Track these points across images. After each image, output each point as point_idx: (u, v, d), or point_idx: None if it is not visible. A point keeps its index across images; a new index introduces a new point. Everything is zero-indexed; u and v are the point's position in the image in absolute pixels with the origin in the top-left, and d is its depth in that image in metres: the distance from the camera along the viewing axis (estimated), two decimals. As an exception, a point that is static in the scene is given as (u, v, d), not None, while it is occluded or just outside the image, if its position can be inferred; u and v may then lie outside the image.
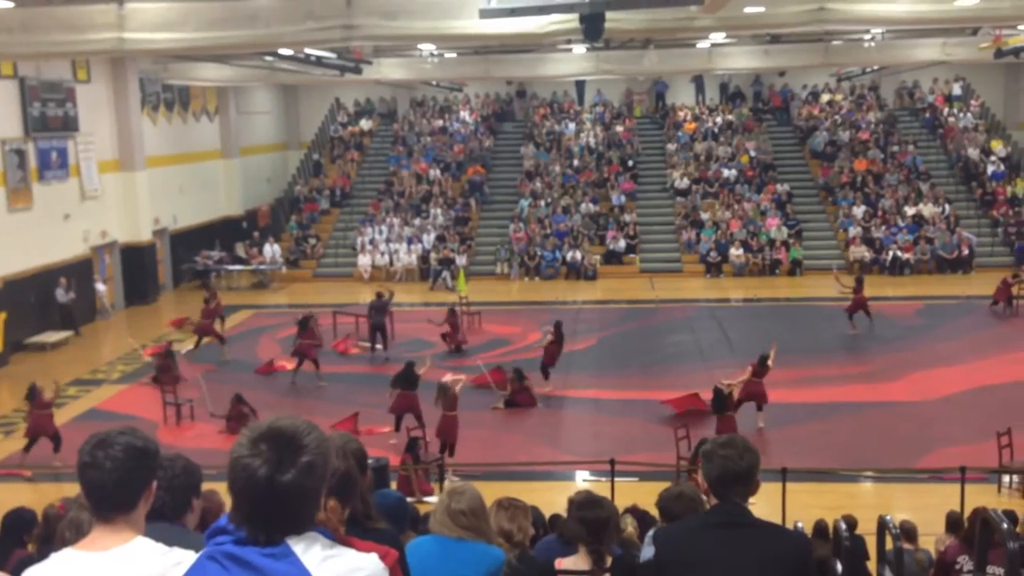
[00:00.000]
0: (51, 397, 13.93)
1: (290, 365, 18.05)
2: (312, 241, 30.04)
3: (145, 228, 25.61)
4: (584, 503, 4.40)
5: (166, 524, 3.06)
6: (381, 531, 3.29)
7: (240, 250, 29.38)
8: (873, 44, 24.56)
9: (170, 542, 2.64)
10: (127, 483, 2.61)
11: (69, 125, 22.75)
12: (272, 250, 28.72)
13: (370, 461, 3.59)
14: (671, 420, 14.40)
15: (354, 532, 2.98)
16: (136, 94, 25.41)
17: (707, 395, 14.43)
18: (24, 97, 21.17)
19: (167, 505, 3.12)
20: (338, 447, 2.82)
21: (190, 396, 16.07)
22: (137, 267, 25.32)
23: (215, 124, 31.24)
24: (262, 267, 28.26)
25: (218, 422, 14.92)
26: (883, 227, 28.39)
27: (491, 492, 4.56)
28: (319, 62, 21.33)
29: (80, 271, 22.82)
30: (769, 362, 14.55)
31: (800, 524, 8.30)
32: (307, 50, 19.83)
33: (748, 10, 14.36)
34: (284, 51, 19.94)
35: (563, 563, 4.37)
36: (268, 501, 2.02)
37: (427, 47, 23.46)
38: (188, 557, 2.41)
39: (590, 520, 4.26)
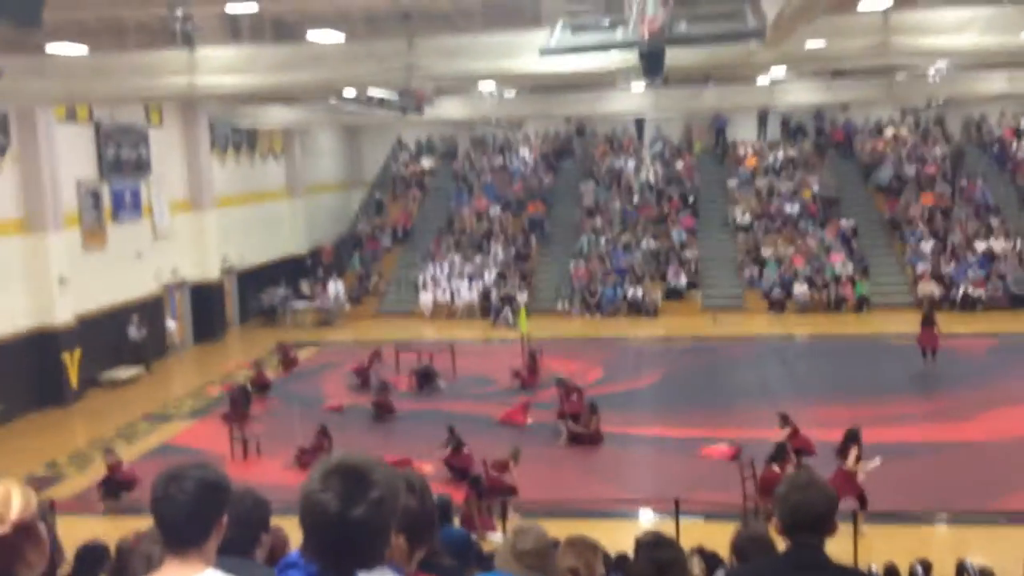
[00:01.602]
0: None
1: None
2: (375, 278, 30.37)
3: (214, 266, 26.18)
4: (654, 543, 4.33)
5: (236, 558, 3.09)
6: (447, 568, 3.28)
7: (305, 287, 29.85)
8: (938, 77, 24.18)
9: (241, 575, 2.67)
10: (199, 517, 2.65)
11: (142, 167, 23.45)
12: (336, 287, 29.11)
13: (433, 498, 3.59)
14: (736, 459, 14.14)
15: (420, 567, 2.97)
16: (206, 136, 26.11)
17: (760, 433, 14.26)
18: (99, 140, 21.90)
19: (237, 539, 3.15)
20: (416, 485, 2.83)
21: (256, 431, 16.30)
22: (206, 304, 25.86)
23: (281, 164, 31.92)
24: (326, 304, 28.63)
25: (284, 457, 15.07)
26: (952, 262, 27.75)
27: (553, 530, 4.51)
28: (381, 103, 21.70)
29: (151, 309, 23.38)
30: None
31: (874, 567, 8.08)
32: (370, 91, 20.21)
33: (810, 45, 14.29)
34: (348, 93, 20.36)
35: (630, 604, 4.30)
36: (338, 536, 2.03)
37: (487, 86, 23.73)
38: (259, 590, 2.43)
39: (659, 561, 4.19)
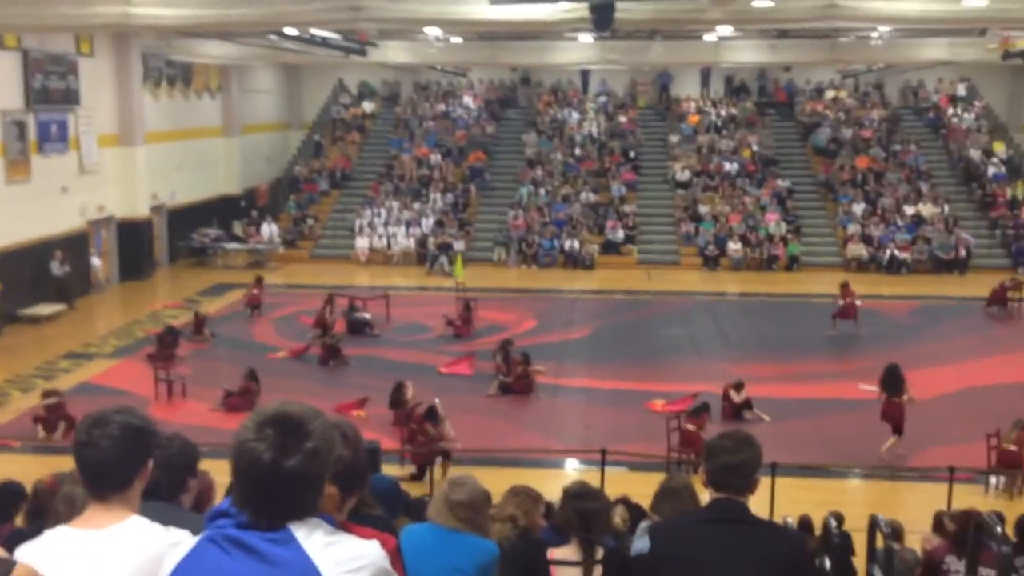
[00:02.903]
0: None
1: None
2: (310, 222, 29.98)
3: (142, 204, 25.52)
4: (579, 494, 4.40)
5: (162, 503, 3.05)
6: (376, 517, 3.29)
7: (238, 229, 29.33)
8: (880, 42, 24.52)
9: (166, 521, 2.63)
10: (123, 462, 2.60)
11: (70, 98, 22.64)
12: (270, 230, 28.66)
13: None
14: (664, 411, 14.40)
15: (349, 517, 2.97)
16: (138, 69, 25.28)
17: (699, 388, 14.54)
18: (27, 69, 21.06)
19: (163, 484, 3.12)
20: (349, 435, 2.82)
21: (182, 373, 16.07)
22: (133, 242, 25.24)
23: (217, 102, 31.11)
24: (259, 246, 28.21)
25: (209, 400, 14.90)
26: (882, 225, 28.40)
27: (480, 478, 4.56)
28: (324, 43, 21.25)
29: (76, 245, 22.76)
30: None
31: (789, 519, 8.35)
32: (312, 30, 19.77)
33: (757, 4, 14.33)
34: (289, 31, 19.89)
35: (555, 553, 4.38)
36: (272, 486, 2.02)
37: (433, 31, 23.37)
38: (185, 537, 2.40)
39: (584, 511, 4.26)
